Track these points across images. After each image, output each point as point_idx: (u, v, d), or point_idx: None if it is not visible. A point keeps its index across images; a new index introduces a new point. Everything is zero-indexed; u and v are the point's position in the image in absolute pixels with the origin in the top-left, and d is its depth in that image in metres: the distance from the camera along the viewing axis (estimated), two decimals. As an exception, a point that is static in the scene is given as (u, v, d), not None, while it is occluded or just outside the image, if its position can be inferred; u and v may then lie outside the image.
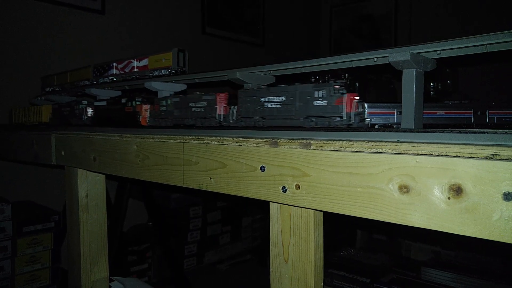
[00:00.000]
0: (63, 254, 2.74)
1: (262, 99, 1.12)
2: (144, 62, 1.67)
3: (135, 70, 1.72)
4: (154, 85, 1.55)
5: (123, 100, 1.65)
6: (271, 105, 1.10)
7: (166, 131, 1.33)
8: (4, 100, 2.84)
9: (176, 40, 3.86)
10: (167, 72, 1.57)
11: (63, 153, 1.68)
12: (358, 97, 0.97)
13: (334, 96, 0.97)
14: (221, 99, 1.27)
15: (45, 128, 1.97)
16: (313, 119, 1.02)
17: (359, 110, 0.97)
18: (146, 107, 1.55)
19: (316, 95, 1.00)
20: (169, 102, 1.43)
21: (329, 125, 0.99)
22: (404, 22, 4.87)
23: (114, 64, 1.83)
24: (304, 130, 0.99)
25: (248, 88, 1.23)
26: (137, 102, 1.57)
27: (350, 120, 0.96)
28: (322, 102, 1.00)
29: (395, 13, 4.95)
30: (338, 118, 0.97)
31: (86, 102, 1.88)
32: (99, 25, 3.32)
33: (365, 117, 1.00)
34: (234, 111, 1.24)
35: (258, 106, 1.14)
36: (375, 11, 5.13)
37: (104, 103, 1.79)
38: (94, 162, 1.51)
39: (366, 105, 1.00)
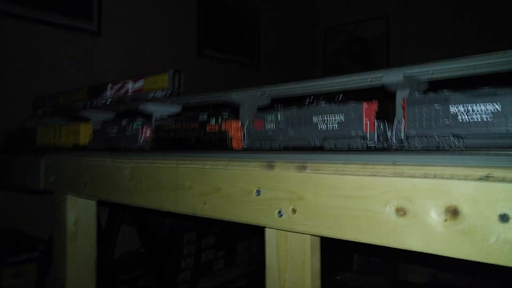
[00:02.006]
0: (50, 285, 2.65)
1: (453, 108, 0.81)
2: (140, 83, 1.67)
3: (130, 91, 1.71)
4: (149, 107, 1.54)
5: (203, 117, 1.36)
6: (472, 117, 0.78)
7: (161, 154, 1.32)
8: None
9: (172, 61, 3.88)
10: (163, 94, 1.56)
11: (52, 178, 1.65)
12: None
13: None
14: (369, 110, 0.93)
15: (36, 152, 1.95)
16: None
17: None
18: (237, 125, 1.23)
19: None
20: (279, 117, 1.11)
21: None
22: (396, 44, 4.97)
23: (109, 85, 1.82)
24: (302, 153, 0.98)
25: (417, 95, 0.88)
26: (224, 118, 1.28)
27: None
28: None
29: (387, 36, 5.05)
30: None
31: (142, 121, 1.58)
32: (95, 46, 3.33)
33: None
34: (396, 127, 0.91)
35: (444, 118, 0.81)
36: (368, 33, 5.24)
37: (171, 121, 1.49)
38: (84, 187, 1.48)
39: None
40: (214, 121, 1.29)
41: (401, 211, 0.71)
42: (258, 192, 0.93)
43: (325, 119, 1.00)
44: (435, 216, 0.67)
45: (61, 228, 1.68)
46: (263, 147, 1.14)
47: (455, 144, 0.80)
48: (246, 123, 1.20)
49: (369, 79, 0.97)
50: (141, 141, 1.52)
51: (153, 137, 1.52)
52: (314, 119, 1.02)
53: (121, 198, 1.34)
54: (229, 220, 1.01)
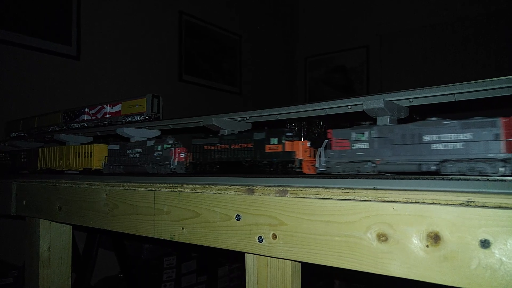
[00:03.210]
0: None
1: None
2: (117, 107, 1.65)
3: (108, 115, 1.69)
4: (127, 131, 1.52)
5: (259, 136, 1.14)
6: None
7: (136, 178, 1.28)
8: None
9: (153, 86, 3.87)
10: (141, 118, 1.55)
11: (24, 202, 1.59)
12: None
13: None
14: (509, 125, 0.75)
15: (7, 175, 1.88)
16: None
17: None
18: (305, 146, 1.05)
19: None
20: (372, 134, 0.92)
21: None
22: (375, 73, 5.08)
23: (86, 109, 1.79)
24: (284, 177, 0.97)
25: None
26: (288, 139, 1.08)
27: None
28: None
29: (367, 65, 5.17)
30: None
31: (173, 141, 1.39)
32: (73, 70, 3.30)
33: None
34: None
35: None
36: (348, 62, 5.36)
37: (215, 140, 1.27)
38: (59, 211, 1.43)
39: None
40: (276, 140, 1.10)
41: (382, 237, 0.70)
42: (238, 217, 0.91)
43: (443, 137, 0.80)
44: (416, 242, 0.66)
45: (33, 254, 1.61)
46: (347, 171, 0.94)
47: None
48: (324, 144, 0.99)
49: (349, 106, 0.98)
50: (174, 165, 1.34)
51: (192, 160, 1.33)
52: (425, 138, 0.83)
53: (97, 223, 1.30)
54: (208, 246, 0.98)
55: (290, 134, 1.09)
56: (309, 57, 5.72)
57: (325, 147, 0.98)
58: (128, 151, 1.50)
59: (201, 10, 4.39)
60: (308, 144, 1.05)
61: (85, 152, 1.64)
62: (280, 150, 1.07)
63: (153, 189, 1.10)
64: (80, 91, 3.33)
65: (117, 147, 1.55)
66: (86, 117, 1.79)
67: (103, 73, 3.54)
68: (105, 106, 1.71)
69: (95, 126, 1.77)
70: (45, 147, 1.90)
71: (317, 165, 0.99)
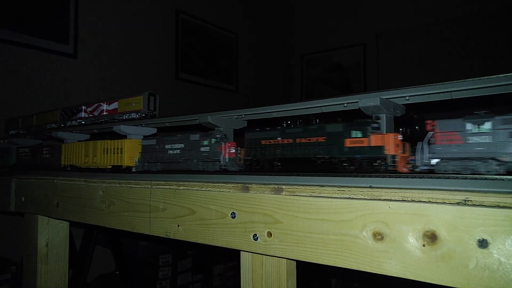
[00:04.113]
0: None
1: None
2: (114, 105, 1.65)
3: (105, 113, 1.69)
4: (123, 128, 1.51)
5: (335, 128, 0.99)
6: None
7: (133, 175, 1.28)
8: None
9: (149, 84, 3.86)
10: (137, 116, 1.54)
11: (23, 199, 1.59)
12: None
13: None
14: None
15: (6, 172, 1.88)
16: None
17: None
18: (397, 140, 0.89)
19: None
20: (496, 125, 0.77)
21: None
22: (372, 72, 5.07)
23: (83, 107, 1.79)
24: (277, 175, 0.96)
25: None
26: (374, 131, 0.92)
27: None
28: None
29: (364, 63, 5.16)
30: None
31: (221, 134, 1.23)
32: (70, 68, 3.29)
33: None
34: None
35: None
36: (344, 61, 5.35)
37: (275, 134, 1.11)
38: (57, 208, 1.43)
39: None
40: (360, 133, 0.93)
41: (378, 236, 0.69)
42: (233, 214, 0.90)
43: None
44: (413, 241, 0.66)
45: (32, 250, 1.61)
46: (459, 170, 0.80)
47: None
48: (427, 137, 0.84)
49: (345, 104, 0.97)
50: (225, 160, 1.20)
51: (248, 157, 1.16)
52: None
53: (94, 219, 1.29)
54: (203, 243, 0.98)
55: (375, 125, 0.93)
56: (305, 55, 5.71)
57: (428, 141, 0.84)
58: (167, 146, 1.36)
59: (198, 8, 4.39)
60: (400, 137, 0.89)
61: (114, 148, 1.49)
62: (365, 144, 0.92)
63: (149, 186, 1.10)
64: (77, 89, 3.33)
65: (153, 142, 1.41)
66: (83, 114, 1.79)
67: (100, 72, 3.54)
68: (102, 104, 1.71)
69: (92, 123, 1.77)
70: (69, 143, 1.77)
71: (418, 162, 0.86)
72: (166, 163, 1.35)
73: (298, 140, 1.05)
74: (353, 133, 0.95)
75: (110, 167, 1.51)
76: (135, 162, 1.45)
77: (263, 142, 1.13)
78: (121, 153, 1.46)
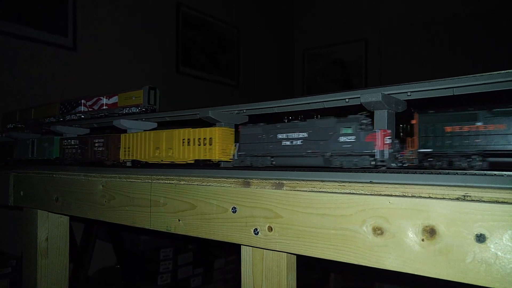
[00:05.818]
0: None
1: None
2: (114, 99, 1.64)
3: (104, 107, 1.68)
4: (123, 123, 1.51)
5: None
6: None
7: (133, 170, 1.28)
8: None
9: (150, 78, 3.85)
10: (137, 110, 1.54)
11: (22, 193, 1.59)
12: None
13: None
14: None
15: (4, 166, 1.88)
16: None
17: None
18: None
19: None
20: None
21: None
22: (374, 67, 5.06)
23: (83, 101, 1.79)
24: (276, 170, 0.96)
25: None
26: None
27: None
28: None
29: (365, 58, 5.14)
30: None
31: (366, 119, 0.96)
32: (70, 61, 3.28)
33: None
34: None
35: None
36: (346, 56, 5.33)
37: (366, 120, 0.95)
38: (56, 202, 1.43)
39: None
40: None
41: (378, 230, 0.70)
42: (234, 209, 0.91)
43: None
44: (412, 236, 0.66)
45: (31, 244, 1.61)
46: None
47: None
48: None
49: (347, 99, 0.97)
50: (383, 154, 0.90)
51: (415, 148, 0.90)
52: None
53: (94, 214, 1.29)
54: (204, 238, 0.98)
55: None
56: (307, 50, 5.69)
57: None
58: (279, 136, 1.10)
59: (199, 1, 4.36)
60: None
61: (199, 139, 1.25)
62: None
63: (150, 181, 1.10)
64: (76, 83, 3.31)
65: (258, 130, 1.15)
66: (82, 108, 1.78)
67: (100, 65, 3.52)
68: (101, 97, 1.70)
69: (91, 117, 1.76)
70: (132, 132, 1.51)
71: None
72: (281, 156, 1.10)
73: None
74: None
75: (192, 161, 1.26)
76: (233, 155, 1.20)
77: (447, 129, 0.85)
78: (210, 145, 1.21)
